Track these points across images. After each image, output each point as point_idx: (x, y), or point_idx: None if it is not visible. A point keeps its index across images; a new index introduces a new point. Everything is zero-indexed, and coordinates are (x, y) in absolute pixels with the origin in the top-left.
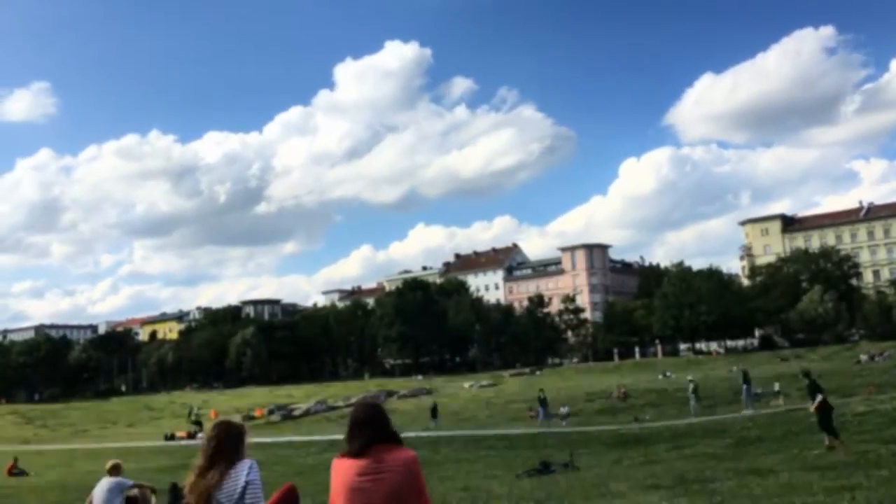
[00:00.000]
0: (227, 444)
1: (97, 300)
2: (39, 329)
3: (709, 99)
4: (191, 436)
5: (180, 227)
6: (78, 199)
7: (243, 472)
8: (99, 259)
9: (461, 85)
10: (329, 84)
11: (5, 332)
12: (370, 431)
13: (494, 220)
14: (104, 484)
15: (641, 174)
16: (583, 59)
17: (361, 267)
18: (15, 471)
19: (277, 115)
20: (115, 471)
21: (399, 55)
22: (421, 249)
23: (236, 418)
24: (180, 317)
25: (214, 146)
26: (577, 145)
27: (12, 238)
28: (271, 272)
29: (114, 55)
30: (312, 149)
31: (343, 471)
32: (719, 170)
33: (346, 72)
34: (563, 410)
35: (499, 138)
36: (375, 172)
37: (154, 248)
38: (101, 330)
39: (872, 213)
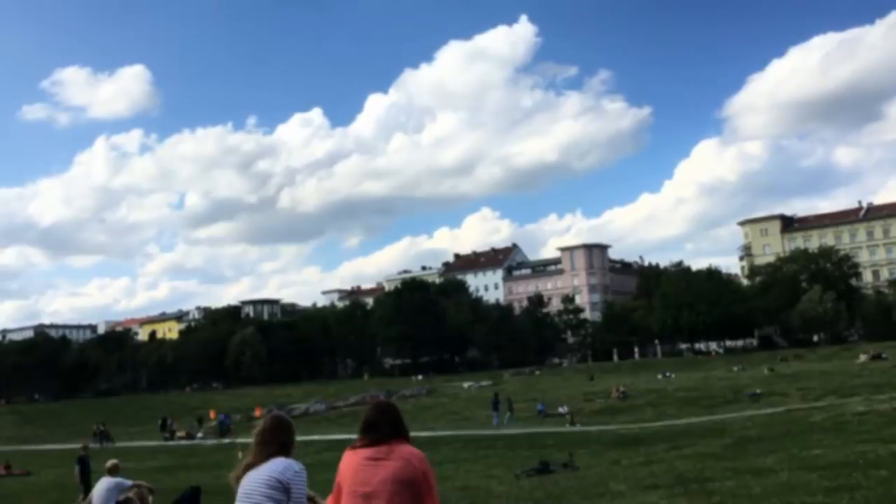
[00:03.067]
0: (271, 437)
1: (136, 293)
2: (38, 329)
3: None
4: (190, 436)
5: (236, 219)
6: (138, 186)
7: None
8: (145, 251)
9: (552, 70)
10: (416, 67)
11: (4, 331)
12: (383, 427)
13: (565, 216)
14: (103, 484)
15: (708, 165)
16: (670, 43)
17: (405, 256)
18: (11, 473)
19: (368, 97)
20: (113, 471)
21: (500, 39)
22: (476, 240)
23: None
24: (179, 317)
25: (295, 136)
26: (652, 133)
27: (60, 230)
28: (325, 266)
29: (221, 41)
30: (390, 137)
31: (352, 457)
32: (789, 163)
33: (444, 55)
34: (563, 410)
35: (578, 127)
36: (449, 158)
37: (201, 241)
38: (101, 330)
39: (871, 213)
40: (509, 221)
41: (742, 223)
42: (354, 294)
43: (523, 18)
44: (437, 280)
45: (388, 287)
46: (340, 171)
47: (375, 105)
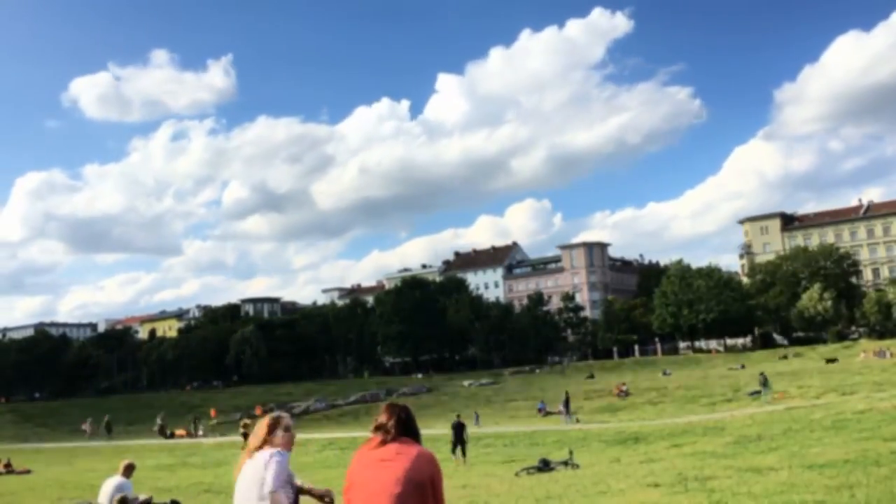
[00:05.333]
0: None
1: (165, 288)
2: (39, 327)
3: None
4: (190, 434)
5: (279, 212)
6: (187, 178)
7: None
8: (179, 245)
9: (629, 62)
10: (485, 55)
11: (5, 330)
12: (394, 427)
13: (617, 211)
14: (111, 482)
15: (755, 161)
16: (732, 36)
17: (448, 247)
18: (11, 471)
19: (437, 83)
20: (125, 471)
21: (587, 26)
22: (526, 234)
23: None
24: (179, 315)
25: (357, 127)
26: (705, 127)
27: (96, 224)
28: (358, 259)
29: (296, 33)
30: (449, 125)
31: (364, 456)
32: (837, 158)
33: (520, 42)
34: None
35: (634, 119)
36: (507, 147)
37: (236, 236)
38: (101, 328)
39: (872, 211)
40: (561, 215)
41: (742, 221)
42: (354, 292)
43: (627, 8)
44: (438, 278)
45: (388, 285)
46: (391, 160)
47: (443, 90)
